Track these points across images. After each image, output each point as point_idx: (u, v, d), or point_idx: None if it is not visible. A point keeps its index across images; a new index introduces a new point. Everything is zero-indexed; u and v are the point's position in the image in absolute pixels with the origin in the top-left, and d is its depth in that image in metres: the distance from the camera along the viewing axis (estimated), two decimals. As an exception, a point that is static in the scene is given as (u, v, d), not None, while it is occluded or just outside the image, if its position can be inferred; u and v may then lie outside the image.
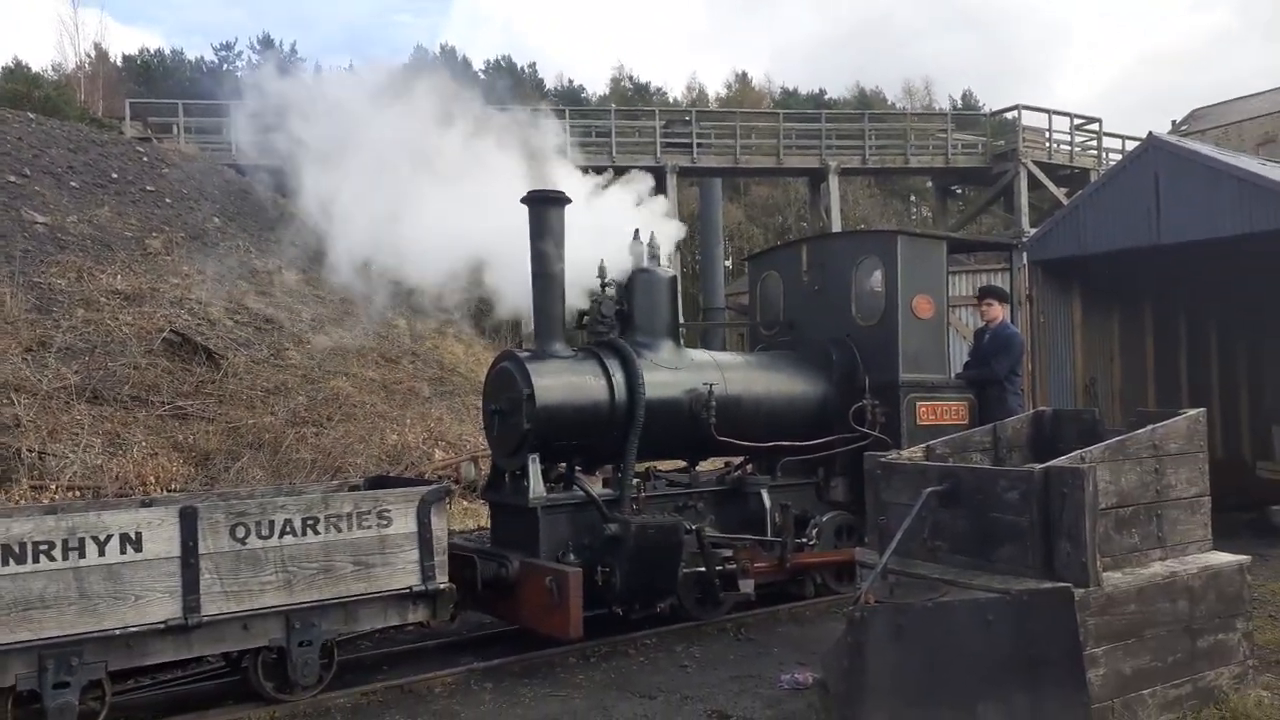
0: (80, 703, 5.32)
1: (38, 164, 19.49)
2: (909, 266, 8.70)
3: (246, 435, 14.40)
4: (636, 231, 8.19)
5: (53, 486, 11.95)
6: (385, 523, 6.24)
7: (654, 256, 8.17)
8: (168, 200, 20.91)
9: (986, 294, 9.51)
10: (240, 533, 5.79)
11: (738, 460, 9.03)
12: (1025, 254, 17.15)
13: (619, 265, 8.08)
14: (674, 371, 7.96)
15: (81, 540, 5.31)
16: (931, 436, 8.21)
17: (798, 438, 8.47)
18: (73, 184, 19.46)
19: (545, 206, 7.51)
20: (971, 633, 4.86)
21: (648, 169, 33.77)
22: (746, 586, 7.62)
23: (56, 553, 5.24)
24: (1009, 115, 36.38)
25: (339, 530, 6.08)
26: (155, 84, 42.77)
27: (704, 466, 8.83)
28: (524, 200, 7.49)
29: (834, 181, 33.02)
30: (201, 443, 14.07)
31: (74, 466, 12.42)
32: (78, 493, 11.91)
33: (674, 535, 7.03)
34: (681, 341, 8.54)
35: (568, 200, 7.60)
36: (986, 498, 5.30)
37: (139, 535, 5.47)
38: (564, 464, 7.77)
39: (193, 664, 6.48)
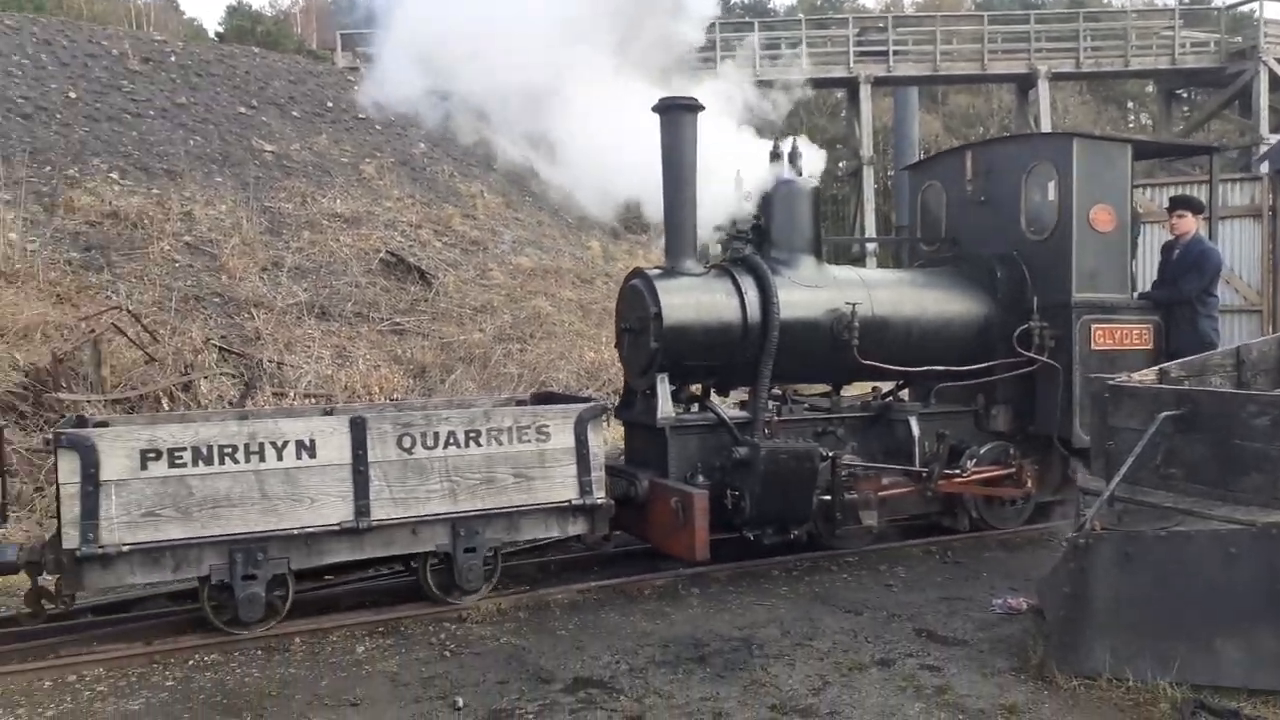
0: (266, 596, 5.79)
1: (263, 95, 20.91)
2: (1087, 173, 7.93)
3: (458, 350, 15.25)
4: (776, 141, 7.78)
5: (290, 394, 13.07)
6: (544, 438, 6.42)
7: (795, 167, 7.75)
8: (378, 127, 22.01)
9: (1177, 205, 8.56)
10: (406, 442, 6.07)
11: (888, 386, 8.64)
12: (1266, 163, 15.51)
13: (759, 179, 7.72)
14: (813, 290, 7.58)
15: (261, 445, 5.73)
16: (1107, 362, 7.73)
17: (954, 362, 7.99)
18: (294, 113, 20.80)
19: (677, 114, 7.20)
20: (1210, 565, 4.65)
21: (840, 81, 32.74)
22: (869, 517, 7.34)
23: (240, 456, 5.68)
24: (1247, 8, 32.59)
25: (500, 443, 6.29)
26: (357, 12, 44.67)
27: (852, 391, 8.53)
28: (655, 108, 7.21)
29: (1043, 88, 30.79)
30: (418, 356, 15.00)
31: (308, 376, 13.52)
32: (313, 399, 13.00)
33: (807, 461, 6.83)
34: (824, 258, 8.13)
35: (700, 108, 7.26)
36: (1230, 424, 5.00)
37: (313, 442, 5.85)
38: (697, 385, 7.64)
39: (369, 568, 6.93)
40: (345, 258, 16.90)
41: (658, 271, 7.37)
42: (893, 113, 35.52)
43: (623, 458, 7.85)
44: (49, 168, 15.85)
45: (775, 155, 7.73)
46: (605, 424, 6.92)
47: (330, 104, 21.74)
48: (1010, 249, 8.32)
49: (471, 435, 6.23)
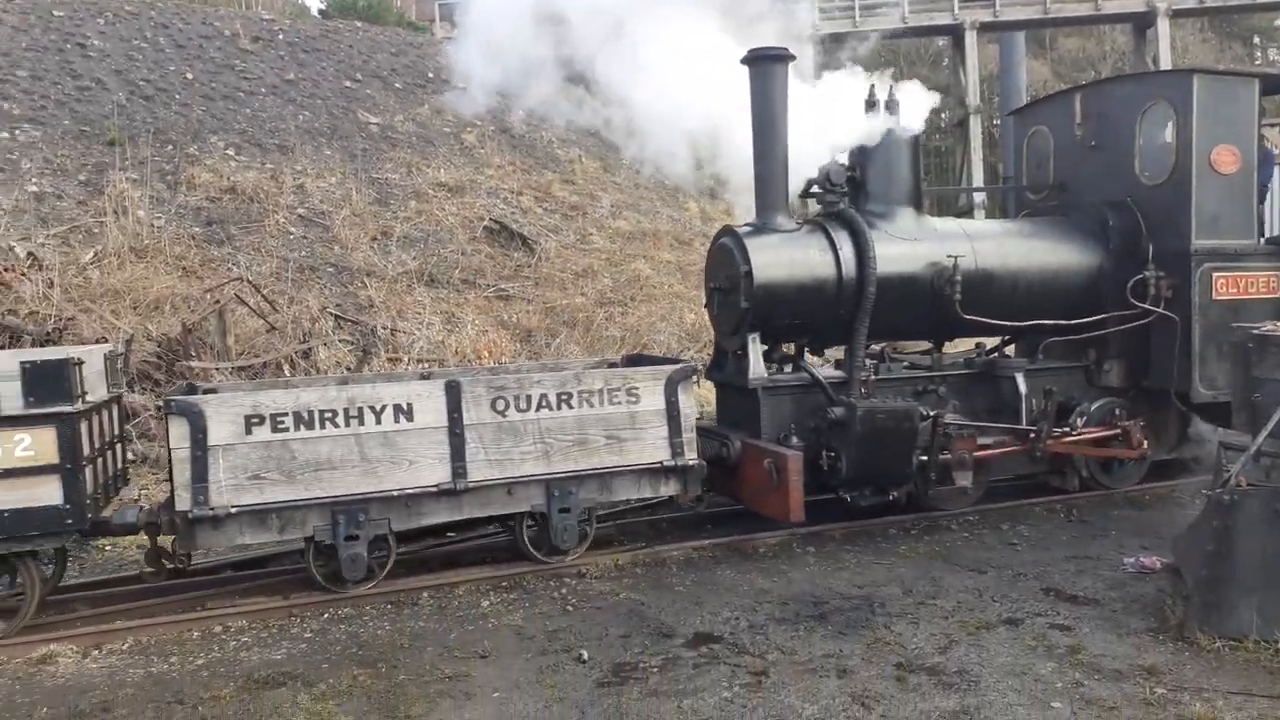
0: (369, 556, 5.99)
1: (366, 69, 21.33)
2: (1208, 112, 7.48)
3: (561, 314, 15.44)
4: (872, 88, 7.50)
5: (404, 359, 13.44)
6: (634, 399, 6.44)
7: (892, 115, 7.47)
8: (478, 98, 22.22)
9: None
10: (500, 405, 6.19)
11: (993, 342, 8.38)
12: None
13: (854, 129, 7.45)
14: (912, 243, 7.36)
15: (361, 409, 5.91)
16: (1229, 312, 7.37)
17: (1063, 316, 7.70)
18: (397, 85, 21.16)
19: (766, 66, 7.02)
20: (1371, 521, 4.38)
21: (943, 29, 31.60)
22: (964, 478, 7.13)
23: (340, 420, 5.88)
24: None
25: (591, 405, 6.35)
26: (455, -16, 45.17)
27: (955, 349, 8.29)
28: (743, 60, 7.06)
29: (1163, 25, 29.20)
30: (524, 321, 15.24)
31: (420, 342, 13.86)
32: (425, 364, 13.32)
33: (905, 420, 6.67)
34: (924, 210, 7.87)
35: (791, 58, 7.07)
36: (1391, 373, 4.66)
37: (410, 406, 6.01)
38: (790, 344, 7.51)
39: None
40: (451, 226, 17.20)
41: (748, 229, 7.24)
42: (998, 60, 34.14)
43: (714, 419, 7.82)
44: (170, 147, 16.53)
45: (870, 104, 7.46)
46: (695, 385, 6.92)
47: (431, 74, 22.02)
48: (1124, 195, 7.95)
49: (563, 398, 6.30)
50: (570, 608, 5.74)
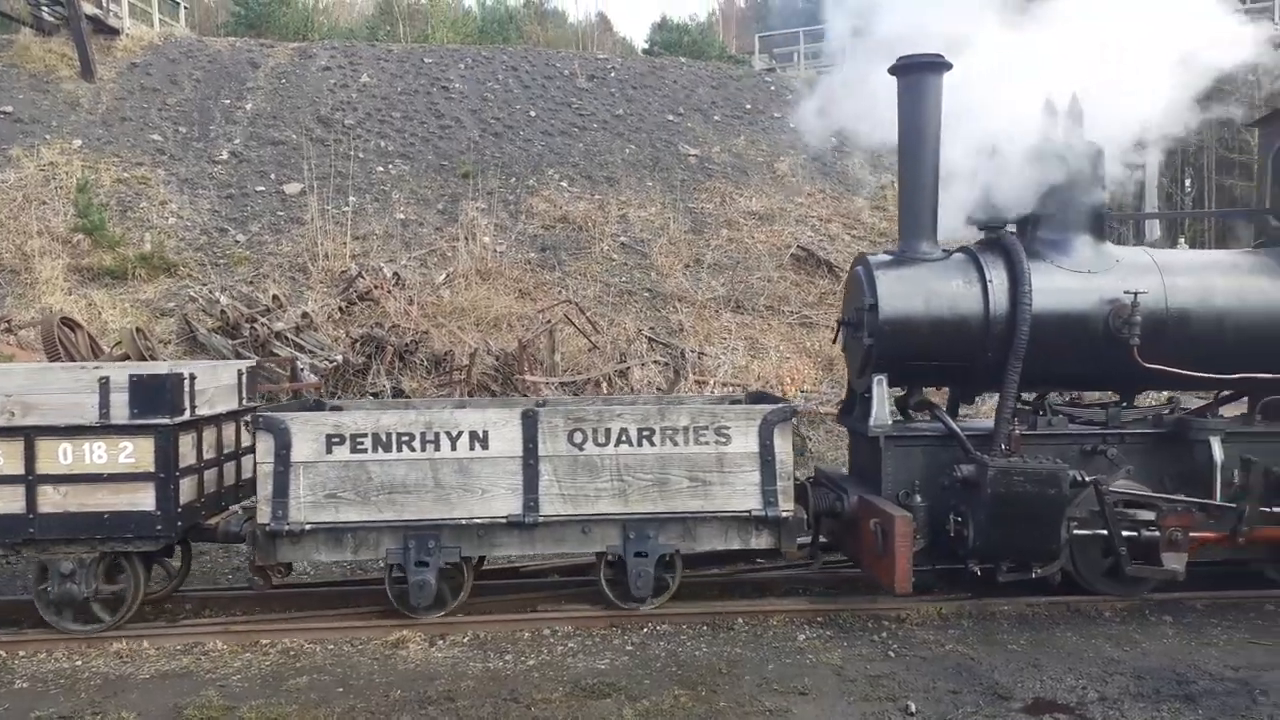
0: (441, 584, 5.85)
1: (688, 102, 22.13)
2: None
3: (866, 343, 15.02)
4: (1050, 95, 6.43)
5: (710, 382, 13.67)
6: (724, 440, 5.89)
7: (1075, 125, 6.36)
8: (792, 125, 22.35)
9: None
10: (578, 438, 5.87)
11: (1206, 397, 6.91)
12: None
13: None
14: (1085, 276, 6.25)
15: (437, 435, 5.78)
16: None
17: None
18: (715, 118, 21.77)
19: (917, 75, 6.27)
20: None
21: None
22: (1174, 562, 5.86)
23: (416, 444, 5.77)
24: None
25: (674, 444, 5.89)
26: (772, 18, 45.96)
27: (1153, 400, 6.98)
28: (892, 69, 6.34)
29: None
30: (826, 349, 15.01)
31: (725, 366, 14.06)
32: (729, 387, 13.47)
33: (1050, 485, 5.61)
34: (1108, 237, 6.63)
35: (947, 66, 6.24)
36: None
37: (485, 434, 5.81)
38: (931, 389, 6.59)
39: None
40: (759, 253, 17.36)
41: (885, 257, 6.46)
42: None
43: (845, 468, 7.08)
44: (513, 179, 18.04)
45: (1050, 112, 6.44)
46: (795, 426, 6.23)
47: (748, 106, 22.45)
48: None
49: (644, 434, 5.89)
50: (892, 654, 5.44)
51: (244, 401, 6.89)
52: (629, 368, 13.02)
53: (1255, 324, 6.37)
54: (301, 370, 11.64)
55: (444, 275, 15.07)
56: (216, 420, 6.41)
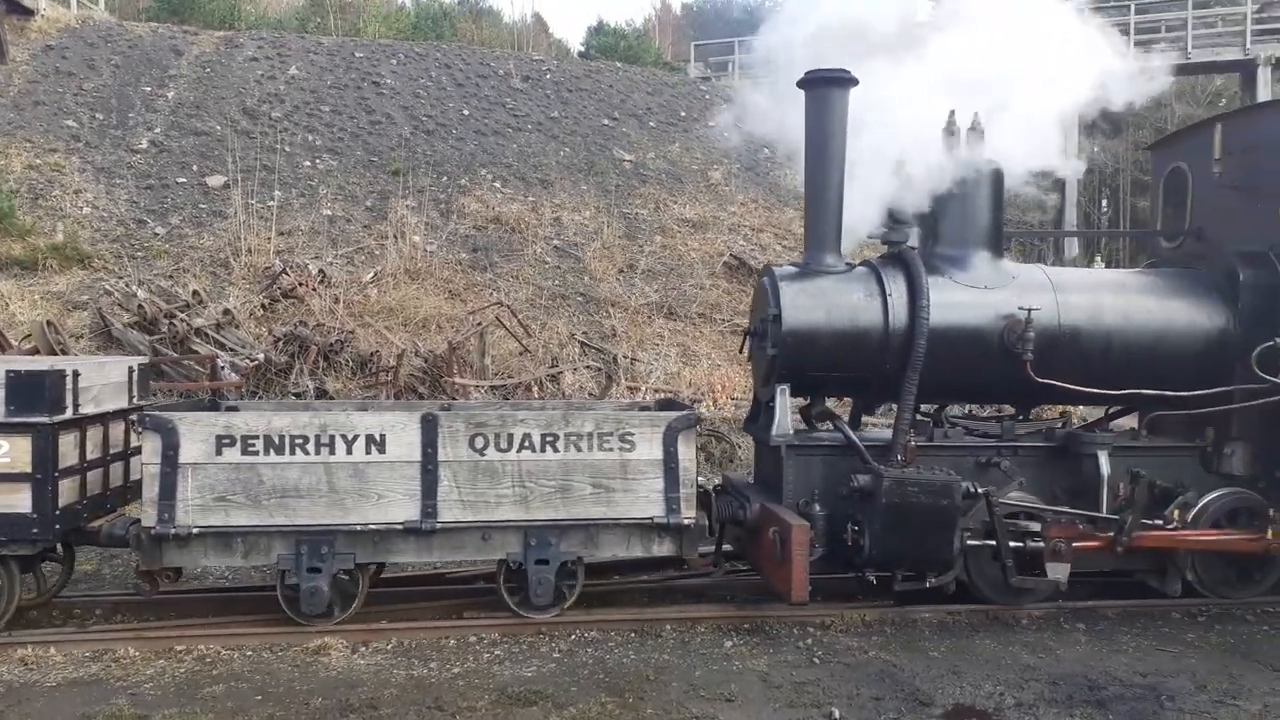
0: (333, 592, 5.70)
1: (624, 107, 22.16)
2: None
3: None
4: (952, 114, 6.61)
5: (642, 388, 13.69)
6: (628, 446, 5.86)
7: (975, 144, 6.55)
8: (726, 134, 22.54)
9: None
10: (479, 443, 5.77)
11: (1098, 411, 7.15)
12: None
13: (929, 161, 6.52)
14: (981, 291, 6.42)
15: (332, 437, 5.64)
16: None
17: (1173, 386, 6.51)
18: (650, 124, 21.83)
19: (823, 90, 6.36)
20: None
21: (1232, 64, 28.81)
22: (1058, 572, 6.07)
23: (310, 447, 5.63)
24: None
25: (578, 450, 5.83)
26: (708, 27, 46.32)
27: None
28: (799, 83, 6.43)
29: None
30: (758, 358, 15.16)
31: (657, 372, 14.10)
32: (660, 394, 13.51)
33: (943, 496, 5.75)
34: (1005, 255, 6.84)
35: (853, 81, 6.35)
36: None
37: (383, 437, 5.67)
38: (839, 399, 6.68)
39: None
40: (692, 261, 17.46)
41: (790, 269, 6.55)
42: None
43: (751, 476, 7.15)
44: (445, 178, 17.83)
45: (950, 131, 6.62)
46: (698, 434, 6.24)
47: (683, 113, 22.57)
48: (1263, 246, 6.65)
49: (548, 439, 5.82)
50: (817, 660, 5.50)
51: (134, 400, 6.60)
52: (561, 372, 12.96)
53: (1140, 342, 6.59)
54: (222, 369, 11.33)
55: (372, 274, 14.81)
56: (103, 419, 6.14)
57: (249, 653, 5.52)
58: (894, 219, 6.56)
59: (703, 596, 6.63)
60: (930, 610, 6.28)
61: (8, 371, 5.45)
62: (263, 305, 13.63)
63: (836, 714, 4.71)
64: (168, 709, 4.73)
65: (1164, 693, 5.06)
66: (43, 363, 6.19)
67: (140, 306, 12.60)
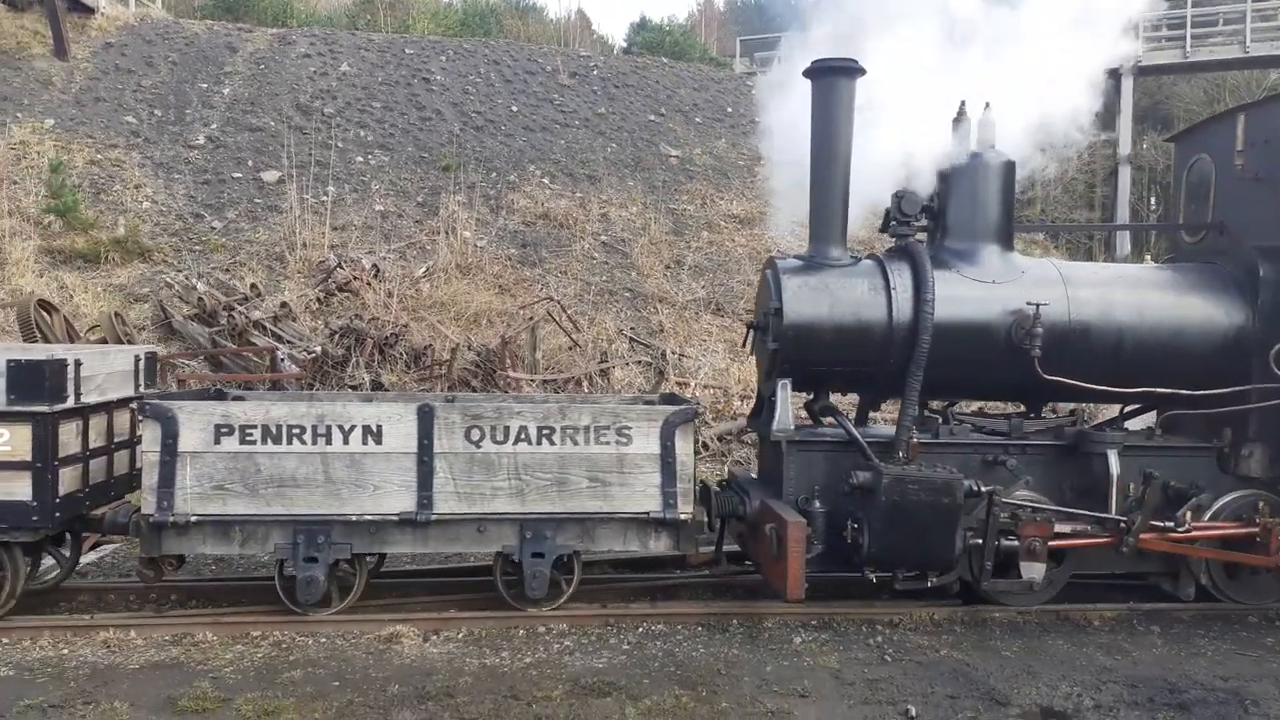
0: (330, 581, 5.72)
1: (670, 103, 22.14)
2: None
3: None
4: (963, 104, 6.44)
5: (690, 384, 13.68)
6: (625, 440, 5.81)
7: (985, 137, 6.42)
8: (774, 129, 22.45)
9: None
10: (475, 435, 5.76)
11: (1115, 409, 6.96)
12: None
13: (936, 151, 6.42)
14: (989, 286, 6.25)
15: (329, 428, 5.66)
16: None
17: (1188, 384, 6.32)
18: (697, 120, 21.80)
19: (830, 79, 6.23)
20: None
21: (1291, 60, 28.08)
22: (1030, 571, 5.91)
23: (307, 437, 5.65)
24: None
25: (575, 443, 5.79)
26: (750, 21, 46.16)
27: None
28: (805, 72, 6.32)
29: None
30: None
31: (704, 368, 14.08)
32: (709, 389, 13.50)
33: (945, 494, 5.60)
34: (1014, 248, 6.66)
35: (860, 71, 6.23)
36: None
37: (379, 429, 5.68)
38: (844, 395, 6.57)
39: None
40: (739, 257, 17.43)
41: (794, 262, 6.43)
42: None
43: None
44: (494, 174, 17.94)
45: (958, 120, 6.45)
46: (696, 428, 6.14)
47: (729, 109, 22.51)
48: None
49: (545, 432, 5.78)
50: (888, 658, 5.47)
51: (141, 388, 6.64)
52: (611, 367, 13.00)
53: (1154, 339, 6.40)
54: (282, 360, 11.50)
55: (424, 269, 14.95)
56: (107, 407, 6.18)
57: (323, 639, 5.60)
58: (901, 211, 6.47)
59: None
60: (1000, 610, 6.21)
61: (8, 360, 5.48)
62: (318, 299, 13.80)
63: (913, 712, 4.69)
64: (249, 692, 4.81)
65: (1247, 697, 4.98)
66: (43, 351, 6.20)
67: (200, 299, 12.83)
